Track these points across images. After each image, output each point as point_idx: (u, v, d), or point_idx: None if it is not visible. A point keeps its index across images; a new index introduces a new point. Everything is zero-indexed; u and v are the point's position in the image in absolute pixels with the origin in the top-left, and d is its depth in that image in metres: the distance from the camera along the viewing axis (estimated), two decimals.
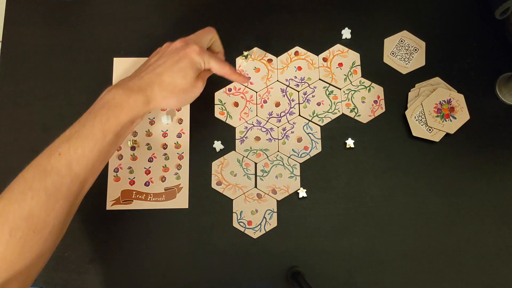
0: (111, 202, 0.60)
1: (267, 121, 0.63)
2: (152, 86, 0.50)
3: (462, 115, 0.62)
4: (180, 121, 0.63)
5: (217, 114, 0.64)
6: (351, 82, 0.65)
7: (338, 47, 0.66)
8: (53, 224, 0.44)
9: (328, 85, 0.65)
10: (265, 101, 0.64)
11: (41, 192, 0.43)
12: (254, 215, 0.60)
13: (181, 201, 0.61)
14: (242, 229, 0.60)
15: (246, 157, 0.62)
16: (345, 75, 0.65)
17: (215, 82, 0.65)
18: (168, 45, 0.54)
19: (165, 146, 0.62)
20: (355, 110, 0.64)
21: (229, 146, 0.63)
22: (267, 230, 0.60)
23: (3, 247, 0.41)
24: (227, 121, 0.63)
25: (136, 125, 0.52)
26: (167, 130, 0.63)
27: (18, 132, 0.62)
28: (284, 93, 0.64)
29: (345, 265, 0.59)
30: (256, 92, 0.64)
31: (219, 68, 0.54)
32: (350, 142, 0.62)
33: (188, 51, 0.51)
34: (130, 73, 0.64)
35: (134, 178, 0.61)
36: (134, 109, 0.48)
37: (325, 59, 0.66)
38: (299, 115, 0.64)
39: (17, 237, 0.42)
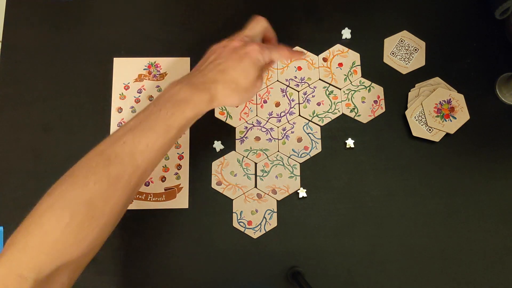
0: None
1: (267, 121, 0.63)
2: (216, 84, 0.49)
3: (462, 115, 0.62)
4: None
5: (217, 114, 0.64)
6: (351, 82, 0.65)
7: (338, 47, 0.66)
8: (109, 213, 0.43)
9: (328, 85, 0.65)
10: (265, 101, 0.64)
11: (104, 179, 0.42)
12: (254, 215, 0.60)
13: (181, 201, 0.61)
14: (242, 229, 0.60)
15: (246, 157, 0.62)
16: (345, 75, 0.65)
17: None
18: (225, 44, 0.52)
19: None
20: (355, 110, 0.64)
21: (229, 146, 0.63)
22: (267, 230, 0.60)
23: (60, 231, 0.40)
24: (227, 121, 0.63)
25: (195, 120, 0.50)
26: None
27: (18, 132, 0.63)
28: (284, 93, 0.64)
29: (345, 265, 0.59)
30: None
31: (280, 55, 0.54)
32: (350, 142, 0.62)
33: (249, 51, 0.50)
34: (130, 73, 0.64)
35: None
36: (198, 105, 0.48)
37: (325, 59, 0.66)
38: (299, 115, 0.64)
39: (76, 222, 0.41)
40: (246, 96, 0.52)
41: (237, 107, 0.64)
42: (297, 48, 0.66)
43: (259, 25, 0.55)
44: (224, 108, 0.64)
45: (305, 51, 0.64)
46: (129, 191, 0.45)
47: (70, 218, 0.41)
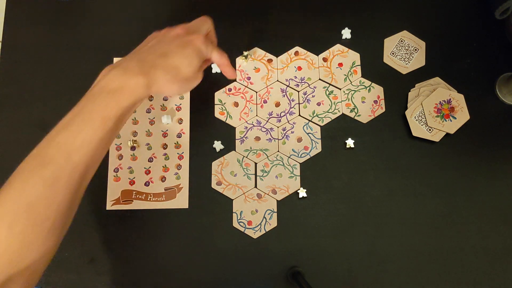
0: (111, 202, 0.60)
1: (267, 121, 0.63)
2: (156, 68, 0.46)
3: (462, 115, 0.62)
4: (180, 121, 0.63)
5: (217, 114, 0.64)
6: (351, 82, 0.65)
7: (338, 47, 0.66)
8: (54, 217, 0.42)
9: (328, 85, 0.65)
10: (265, 101, 0.64)
11: (40, 183, 0.41)
12: (254, 215, 0.60)
13: (181, 201, 0.61)
14: (242, 229, 0.60)
15: (246, 157, 0.62)
16: (345, 75, 0.65)
17: (215, 82, 0.65)
18: (168, 30, 0.51)
19: (165, 146, 0.62)
20: (355, 110, 0.64)
21: (229, 146, 0.63)
22: (267, 230, 0.60)
23: (3, 241, 0.39)
24: (227, 121, 0.63)
25: (135, 109, 0.48)
26: (167, 130, 0.63)
27: (18, 132, 0.62)
28: (284, 93, 0.64)
29: (345, 265, 0.59)
30: (256, 92, 0.64)
31: (219, 58, 0.53)
32: (350, 142, 0.62)
33: (193, 39, 0.49)
34: None
35: (134, 178, 0.61)
36: (135, 92, 0.45)
37: (325, 59, 0.66)
38: (299, 115, 0.64)
39: (18, 230, 0.40)
40: (186, 87, 0.50)
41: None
42: (296, 48, 0.66)
43: (203, 24, 0.53)
44: (224, 108, 0.64)
45: (235, 76, 0.60)
46: (72, 191, 0.43)
47: (9, 227, 0.39)
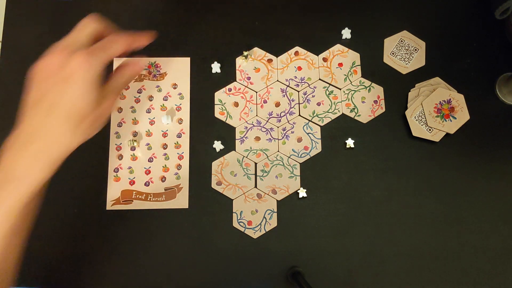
0: (111, 202, 0.60)
1: (267, 121, 0.63)
2: (48, 136, 0.40)
3: (462, 115, 0.62)
4: (180, 121, 0.63)
5: (217, 114, 0.64)
6: (351, 82, 0.65)
7: (338, 47, 0.66)
8: None
9: (328, 85, 0.65)
10: (265, 101, 0.64)
11: None
12: (254, 215, 0.60)
13: (181, 201, 0.61)
14: (242, 229, 0.60)
15: (246, 157, 0.62)
16: (345, 75, 0.65)
17: (215, 82, 0.65)
18: (41, 66, 0.42)
19: (165, 146, 0.62)
20: (355, 110, 0.64)
21: (229, 146, 0.63)
22: (267, 230, 0.60)
23: None
24: (227, 121, 0.63)
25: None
26: (167, 130, 0.63)
27: None
28: (284, 93, 0.64)
29: (345, 265, 0.59)
30: (256, 92, 0.64)
31: (119, 47, 0.43)
32: (350, 142, 0.62)
33: (70, 69, 0.40)
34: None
35: (134, 178, 0.61)
36: (36, 176, 0.40)
37: (325, 59, 0.66)
38: (299, 115, 0.64)
39: None
40: (95, 128, 0.43)
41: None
42: (296, 48, 0.66)
43: (87, 28, 0.44)
44: (224, 108, 0.64)
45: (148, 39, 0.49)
46: None
47: None
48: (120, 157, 0.62)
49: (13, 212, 0.40)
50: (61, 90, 0.40)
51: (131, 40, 0.45)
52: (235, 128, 0.63)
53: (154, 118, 0.63)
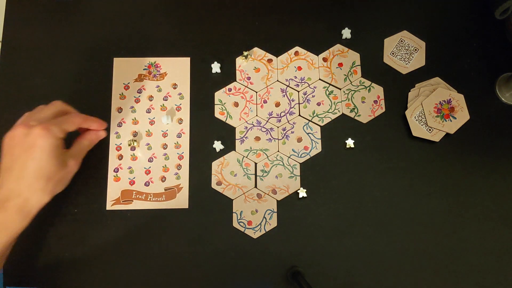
0: (111, 202, 0.60)
1: (267, 121, 0.63)
2: (22, 195, 0.48)
3: (462, 115, 0.62)
4: (180, 121, 0.63)
5: (217, 114, 0.64)
6: (351, 82, 0.65)
7: (338, 47, 0.66)
8: None
9: (328, 85, 0.65)
10: (265, 101, 0.64)
11: None
12: (254, 215, 0.60)
13: (181, 201, 0.61)
14: (242, 229, 0.60)
15: (246, 157, 0.62)
16: (345, 75, 0.65)
17: (215, 82, 0.65)
18: (11, 135, 0.49)
19: (165, 146, 0.62)
20: (355, 110, 0.64)
21: (229, 146, 0.63)
22: (267, 230, 0.60)
23: None
24: (227, 121, 0.63)
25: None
26: (167, 130, 0.63)
27: None
28: (284, 93, 0.64)
29: (345, 265, 0.59)
30: (256, 92, 0.64)
31: (72, 124, 0.52)
32: (350, 142, 0.62)
33: (33, 138, 0.48)
34: (130, 73, 0.64)
35: (134, 178, 0.61)
36: (11, 228, 0.48)
37: (325, 59, 0.66)
38: (299, 115, 0.64)
39: None
40: (61, 186, 0.52)
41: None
42: (296, 48, 0.66)
43: (52, 108, 0.53)
44: (224, 108, 0.64)
45: (102, 126, 0.58)
46: None
47: None
48: (120, 157, 0.62)
49: None
50: (27, 157, 0.48)
51: (84, 120, 0.55)
52: (235, 128, 0.63)
53: (154, 118, 0.63)
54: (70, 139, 0.55)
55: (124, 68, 0.65)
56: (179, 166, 0.62)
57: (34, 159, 0.48)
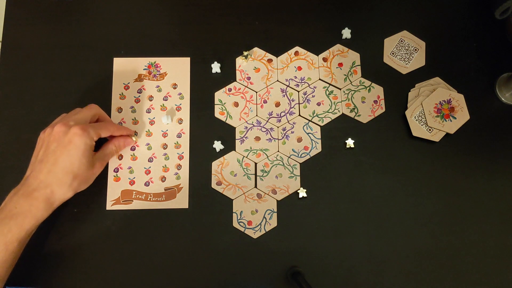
0: (111, 202, 0.60)
1: (267, 121, 0.63)
2: (50, 187, 0.51)
3: (462, 115, 0.62)
4: (180, 121, 0.63)
5: (217, 114, 0.64)
6: (351, 82, 0.65)
7: (338, 47, 0.66)
8: None
9: (328, 85, 0.65)
10: (265, 101, 0.64)
11: None
12: (254, 215, 0.60)
13: (181, 201, 0.61)
14: (242, 229, 0.60)
15: (246, 157, 0.62)
16: (345, 75, 0.65)
17: (215, 82, 0.65)
18: (49, 131, 0.54)
19: (165, 146, 0.62)
20: (355, 110, 0.64)
21: (229, 146, 0.63)
22: (267, 230, 0.60)
23: None
24: (227, 121, 0.63)
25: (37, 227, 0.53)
26: (167, 130, 0.63)
27: (18, 132, 0.62)
28: (284, 93, 0.64)
29: (345, 265, 0.59)
30: (256, 92, 0.64)
31: (107, 131, 0.56)
32: (350, 142, 0.62)
33: (71, 137, 0.52)
34: (130, 73, 0.64)
35: (134, 178, 0.61)
36: (36, 215, 0.51)
37: (325, 59, 0.66)
38: (299, 115, 0.64)
39: None
40: (86, 184, 0.55)
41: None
42: (296, 48, 0.66)
43: (87, 111, 0.56)
44: (224, 108, 0.64)
45: (135, 136, 0.62)
46: None
47: None
48: (120, 157, 0.62)
49: (10, 247, 0.49)
50: (62, 152, 0.52)
51: (117, 129, 0.58)
52: (235, 128, 0.63)
53: (154, 118, 0.63)
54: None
55: (124, 68, 0.65)
56: (179, 166, 0.62)
57: (68, 155, 0.52)
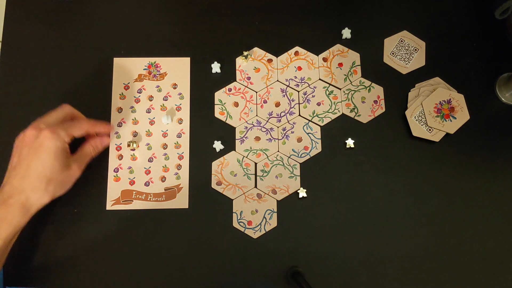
0: (111, 202, 0.60)
1: (267, 121, 0.63)
2: (24, 193, 0.50)
3: (462, 115, 0.62)
4: (180, 121, 0.63)
5: (217, 114, 0.64)
6: (351, 82, 0.65)
7: (338, 47, 0.66)
8: None
9: (328, 85, 0.65)
10: (265, 101, 0.64)
11: None
12: (254, 215, 0.60)
13: (181, 201, 0.61)
14: (242, 229, 0.60)
15: (246, 157, 0.62)
16: (345, 75, 0.65)
17: (215, 82, 0.65)
18: (22, 137, 0.53)
19: (165, 146, 0.62)
20: (355, 110, 0.64)
21: (229, 146, 0.63)
22: (267, 230, 0.60)
23: None
24: (227, 121, 0.63)
25: (17, 234, 0.52)
26: (167, 130, 0.63)
27: (18, 132, 0.62)
28: (284, 93, 0.64)
29: (345, 265, 0.59)
30: (256, 92, 0.64)
31: (80, 129, 0.55)
32: (350, 142, 0.62)
33: (41, 140, 0.51)
34: (130, 73, 0.64)
35: (134, 178, 0.61)
36: (12, 222, 0.50)
37: (325, 59, 0.66)
38: (299, 115, 0.64)
39: None
40: (63, 187, 0.54)
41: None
42: (296, 48, 0.66)
43: (61, 111, 0.55)
44: (224, 108, 0.64)
45: (109, 129, 0.61)
46: None
47: None
48: (120, 157, 0.62)
49: None
50: (33, 157, 0.51)
51: (91, 126, 0.57)
52: (235, 128, 0.63)
53: (154, 118, 0.63)
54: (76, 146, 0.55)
55: (124, 68, 0.65)
56: (179, 166, 0.62)
57: (39, 159, 0.51)
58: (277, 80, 0.65)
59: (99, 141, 0.59)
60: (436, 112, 0.62)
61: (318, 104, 0.64)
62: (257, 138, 0.63)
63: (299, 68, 0.65)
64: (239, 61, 0.65)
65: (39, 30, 0.66)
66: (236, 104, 0.64)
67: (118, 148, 0.62)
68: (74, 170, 0.54)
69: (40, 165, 0.51)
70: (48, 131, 0.51)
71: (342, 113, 0.64)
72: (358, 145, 0.63)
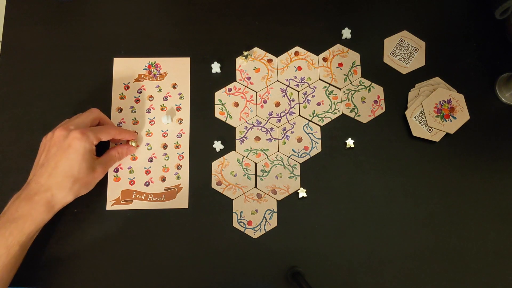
0: (111, 202, 0.60)
1: (267, 121, 0.63)
2: (50, 190, 0.52)
3: (462, 115, 0.63)
4: (180, 121, 0.63)
5: (217, 114, 0.64)
6: (351, 82, 0.65)
7: (338, 47, 0.66)
8: None
9: (328, 85, 0.65)
10: (265, 101, 0.64)
11: None
12: (254, 215, 0.60)
13: (181, 201, 0.61)
14: (242, 229, 0.60)
15: (246, 157, 0.62)
16: (345, 75, 0.65)
17: (215, 82, 0.65)
18: (50, 136, 0.54)
19: (165, 146, 0.62)
20: (355, 110, 0.64)
21: (229, 146, 0.63)
22: (267, 230, 0.60)
23: None
24: (227, 121, 0.63)
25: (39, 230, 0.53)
26: (167, 130, 0.63)
27: (18, 132, 0.62)
28: (284, 93, 0.64)
29: (345, 265, 0.59)
30: (256, 92, 0.64)
31: (108, 135, 0.56)
32: (350, 142, 0.62)
33: (70, 141, 0.52)
34: (130, 73, 0.64)
35: (134, 178, 0.61)
36: (37, 218, 0.51)
37: (325, 59, 0.66)
38: (299, 115, 0.64)
39: None
40: (87, 187, 0.55)
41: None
42: (296, 48, 0.66)
43: (87, 115, 0.57)
44: (224, 108, 0.64)
45: (135, 142, 0.61)
46: None
47: None
48: None
49: (12, 250, 0.49)
50: (61, 156, 0.52)
51: (118, 133, 0.58)
52: (235, 128, 0.63)
53: (154, 118, 0.63)
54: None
55: (124, 68, 0.65)
56: (179, 166, 0.62)
57: (67, 159, 0.52)
58: (277, 80, 0.65)
59: (125, 148, 0.60)
60: (436, 112, 0.62)
61: (318, 104, 0.64)
62: (257, 138, 0.63)
63: (299, 68, 0.65)
64: (239, 61, 0.65)
65: (39, 30, 0.66)
66: (236, 104, 0.64)
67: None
68: (98, 172, 0.56)
69: (67, 165, 0.52)
70: (78, 132, 0.53)
71: (342, 113, 0.64)
72: (358, 145, 0.63)
